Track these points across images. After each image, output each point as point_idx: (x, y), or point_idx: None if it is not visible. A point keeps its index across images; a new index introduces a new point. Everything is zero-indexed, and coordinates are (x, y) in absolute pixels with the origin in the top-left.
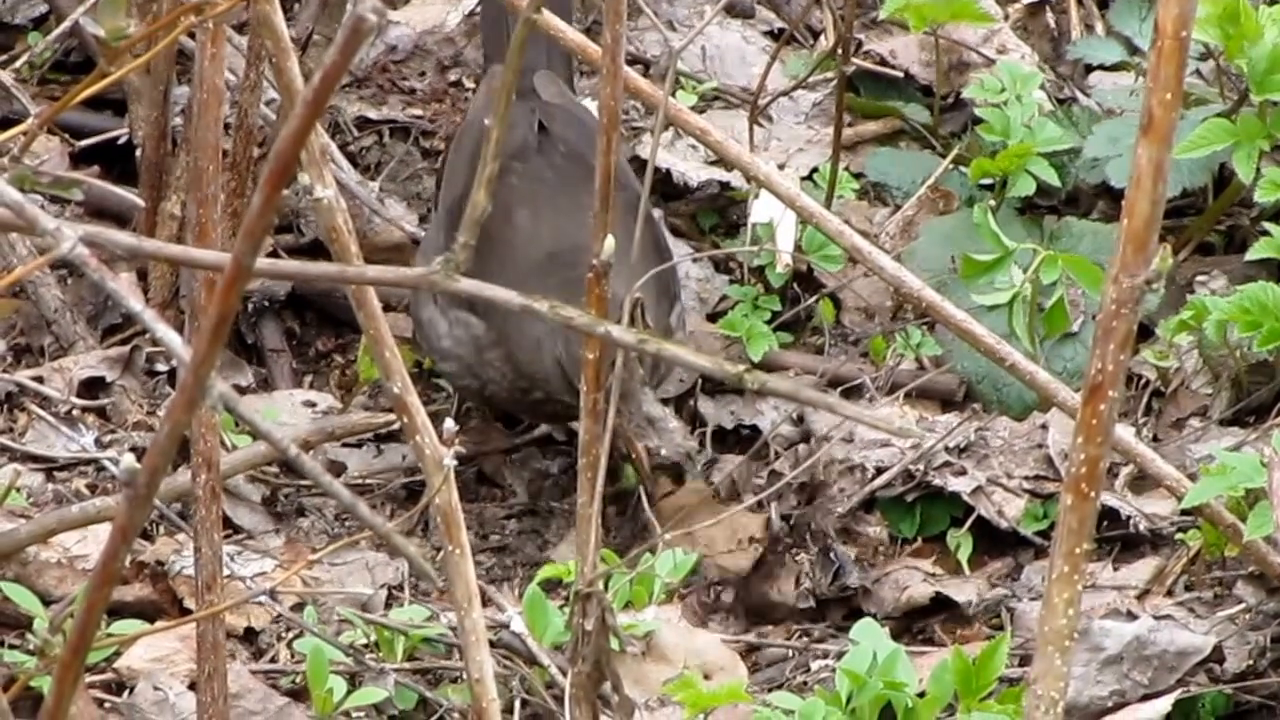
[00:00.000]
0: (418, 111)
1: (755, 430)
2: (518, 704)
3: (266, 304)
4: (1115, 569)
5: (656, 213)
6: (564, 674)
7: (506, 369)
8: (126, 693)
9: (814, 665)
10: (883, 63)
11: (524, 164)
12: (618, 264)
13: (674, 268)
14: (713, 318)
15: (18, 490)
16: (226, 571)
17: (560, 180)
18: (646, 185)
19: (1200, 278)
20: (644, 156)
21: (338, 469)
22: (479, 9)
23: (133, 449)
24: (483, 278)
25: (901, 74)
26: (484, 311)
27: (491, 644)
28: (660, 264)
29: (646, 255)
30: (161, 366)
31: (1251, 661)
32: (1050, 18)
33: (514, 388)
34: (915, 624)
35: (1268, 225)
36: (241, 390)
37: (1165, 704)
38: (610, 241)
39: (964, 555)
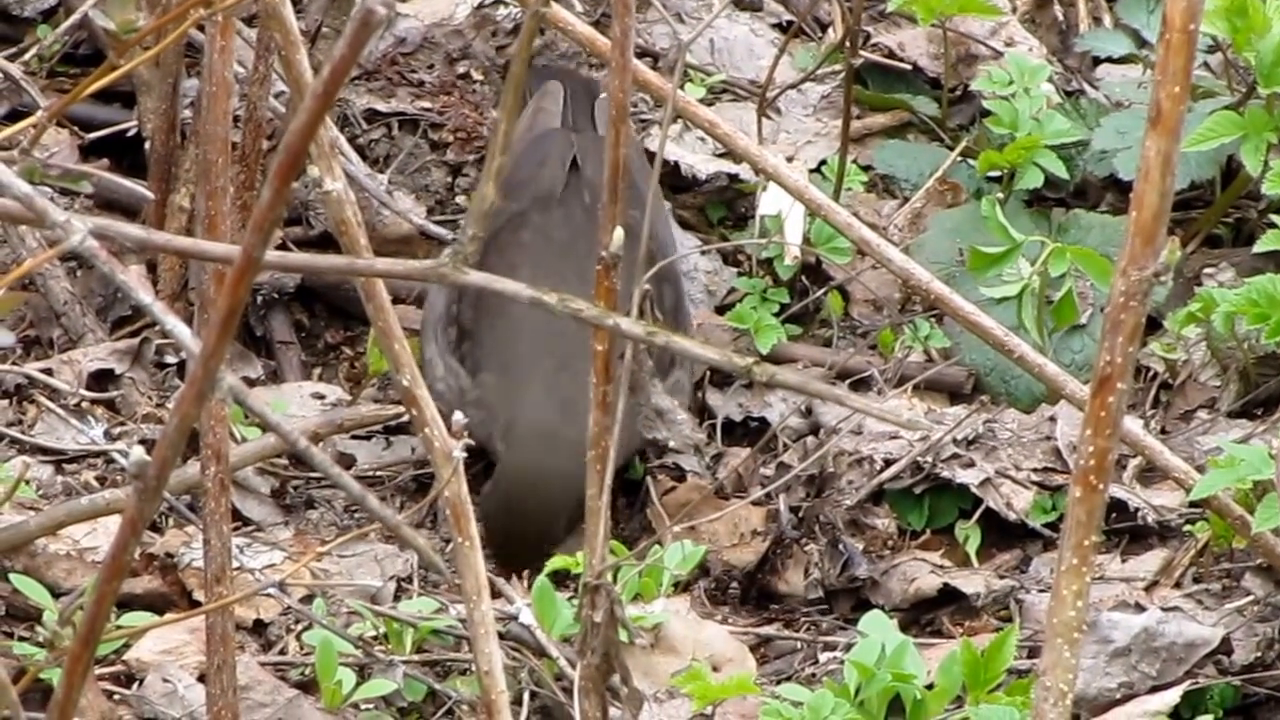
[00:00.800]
0: (426, 104)
1: (763, 423)
2: (526, 696)
3: (275, 296)
4: (1123, 561)
5: (683, 284)
6: (573, 666)
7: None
8: (136, 685)
9: (822, 657)
10: (891, 55)
11: (541, 216)
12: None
13: (686, 308)
14: (721, 310)
15: (27, 483)
16: (236, 564)
17: (572, 241)
18: (653, 182)
19: (1208, 270)
20: (653, 149)
21: (347, 461)
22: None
23: (142, 441)
24: (484, 335)
25: (909, 66)
26: (471, 369)
27: (500, 636)
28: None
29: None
30: (171, 359)
31: (1260, 653)
32: (1058, 10)
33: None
34: (923, 616)
35: (1275, 218)
36: (251, 383)
37: (1173, 696)
38: (619, 233)
39: (972, 547)
